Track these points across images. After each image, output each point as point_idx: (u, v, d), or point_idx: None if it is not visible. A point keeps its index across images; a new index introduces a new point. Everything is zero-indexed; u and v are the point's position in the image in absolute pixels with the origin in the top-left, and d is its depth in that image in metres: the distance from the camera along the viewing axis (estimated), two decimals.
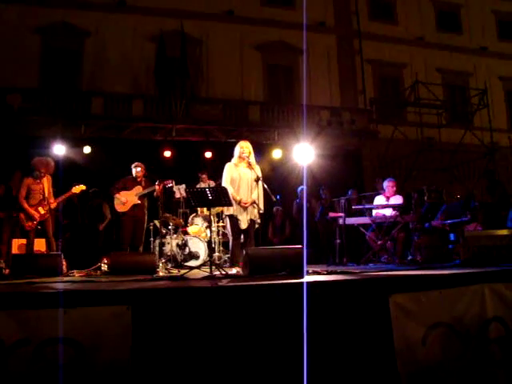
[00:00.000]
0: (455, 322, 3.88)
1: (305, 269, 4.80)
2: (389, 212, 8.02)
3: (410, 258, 7.82)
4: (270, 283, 3.82)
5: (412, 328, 3.77)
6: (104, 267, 6.54)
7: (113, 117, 13.25)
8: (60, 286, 4.10)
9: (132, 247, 7.85)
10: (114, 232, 9.32)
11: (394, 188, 8.40)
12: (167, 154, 12.17)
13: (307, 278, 4.30)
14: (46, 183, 7.23)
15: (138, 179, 8.01)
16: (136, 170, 8.04)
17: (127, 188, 7.93)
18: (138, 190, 7.90)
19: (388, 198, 8.34)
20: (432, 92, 15.59)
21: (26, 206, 7.04)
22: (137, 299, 3.37)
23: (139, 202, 7.87)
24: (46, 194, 7.18)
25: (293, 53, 16.71)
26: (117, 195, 7.88)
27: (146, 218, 8.09)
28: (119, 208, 7.88)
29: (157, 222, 8.59)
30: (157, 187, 7.57)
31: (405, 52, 18.07)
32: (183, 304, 3.45)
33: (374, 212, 8.19)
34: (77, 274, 6.07)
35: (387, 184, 8.45)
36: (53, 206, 7.23)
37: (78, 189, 7.51)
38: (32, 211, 7.03)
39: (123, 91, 14.25)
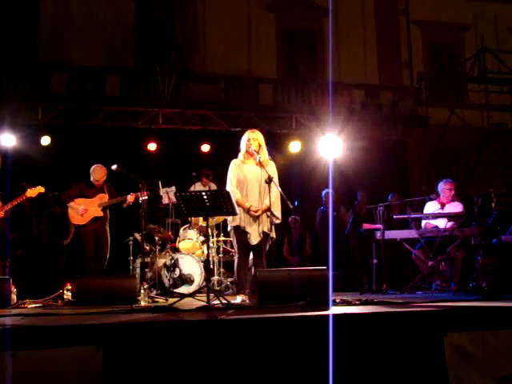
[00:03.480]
0: None
1: (331, 297, 4.80)
2: (443, 223, 7.99)
3: (471, 284, 7.78)
4: (284, 316, 3.83)
5: (476, 380, 3.74)
6: (67, 295, 6.55)
7: (80, 97, 13.28)
8: (7, 320, 4.12)
9: (94, 270, 7.97)
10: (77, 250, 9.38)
11: (453, 192, 8.37)
12: (152, 146, 12.18)
13: (334, 310, 4.32)
14: None
15: (99, 186, 8.21)
16: (96, 173, 8.24)
17: (86, 195, 8.10)
18: (103, 198, 8.11)
19: (443, 205, 8.30)
20: (503, 62, 15.43)
21: None
22: (110, 337, 3.39)
23: (102, 214, 8.06)
24: None
25: (316, 13, 16.67)
26: (71, 204, 8.05)
27: (109, 234, 8.26)
28: (75, 220, 8.08)
29: (138, 236, 8.62)
30: (130, 198, 7.76)
31: (466, 9, 17.75)
32: (172, 343, 3.47)
33: (424, 223, 8.16)
34: (30, 305, 6.10)
35: (443, 186, 8.41)
36: (0, 214, 7.25)
37: (35, 191, 7.50)
38: None
39: (93, 64, 14.27)
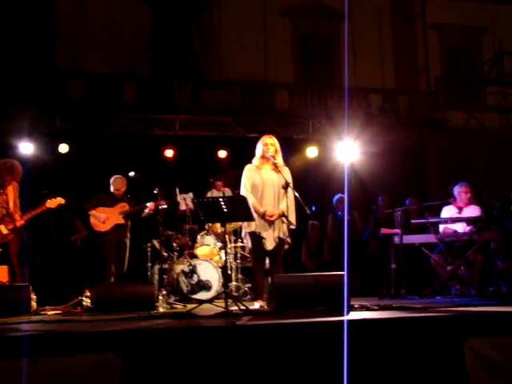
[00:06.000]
0: None
1: (347, 303, 4.79)
2: (461, 227, 7.95)
3: (491, 289, 7.73)
4: (302, 321, 3.83)
5: None
6: (86, 302, 6.58)
7: (97, 105, 13.36)
8: (27, 327, 4.15)
9: (115, 274, 8.17)
10: (96, 256, 9.40)
11: (469, 195, 8.32)
12: (169, 153, 12.22)
13: (351, 315, 4.32)
14: (11, 194, 7.26)
15: (119, 196, 8.45)
16: (117, 183, 8.47)
17: (107, 205, 8.32)
18: (124, 207, 8.34)
19: (461, 209, 8.26)
20: None
21: None
22: (129, 344, 3.40)
23: (123, 221, 8.28)
24: (11, 208, 7.23)
25: (332, 18, 16.62)
26: (93, 212, 8.25)
27: (129, 242, 8.46)
28: (98, 227, 8.24)
29: (156, 243, 8.66)
30: (150, 206, 8.01)
31: (483, 12, 17.59)
32: (190, 349, 3.47)
33: (442, 227, 8.13)
34: (50, 312, 6.14)
35: (459, 190, 8.38)
36: (19, 223, 7.24)
37: (55, 203, 7.45)
38: None
39: (110, 71, 14.35)
